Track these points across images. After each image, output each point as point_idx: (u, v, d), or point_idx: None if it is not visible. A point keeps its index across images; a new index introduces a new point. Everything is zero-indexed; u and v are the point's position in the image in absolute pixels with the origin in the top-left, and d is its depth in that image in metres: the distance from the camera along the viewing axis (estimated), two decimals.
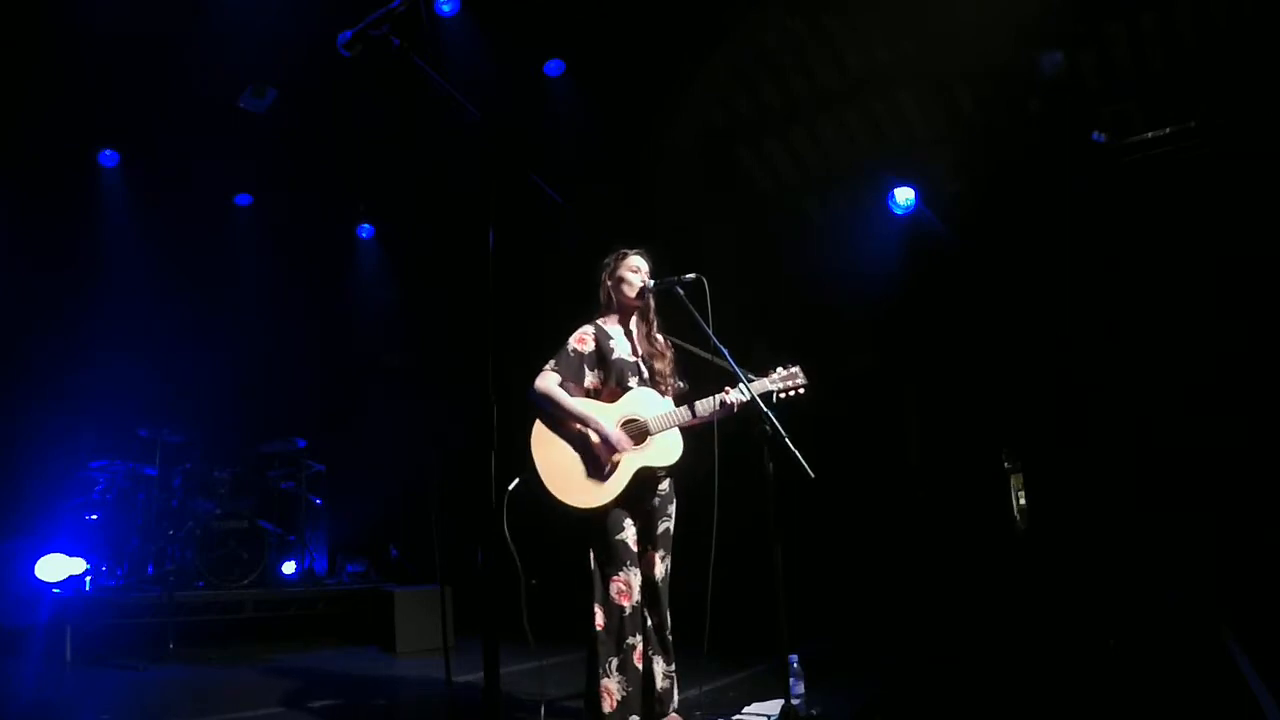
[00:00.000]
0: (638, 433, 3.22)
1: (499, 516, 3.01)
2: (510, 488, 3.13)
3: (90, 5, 5.91)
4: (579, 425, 3.20)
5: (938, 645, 5.45)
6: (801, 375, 3.33)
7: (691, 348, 3.44)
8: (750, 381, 3.24)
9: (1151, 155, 6.32)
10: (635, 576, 3.15)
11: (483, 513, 2.24)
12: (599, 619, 3.10)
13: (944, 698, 4.11)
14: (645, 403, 3.28)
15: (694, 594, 3.30)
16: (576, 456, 3.18)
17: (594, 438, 3.18)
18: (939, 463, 6.95)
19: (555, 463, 3.16)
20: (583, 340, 3.33)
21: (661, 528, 3.31)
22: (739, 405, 3.26)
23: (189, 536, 6.46)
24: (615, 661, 3.08)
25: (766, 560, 3.09)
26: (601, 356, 3.32)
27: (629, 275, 3.36)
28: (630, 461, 3.19)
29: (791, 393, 3.31)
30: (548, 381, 3.23)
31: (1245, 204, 5.90)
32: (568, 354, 3.30)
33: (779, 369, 3.35)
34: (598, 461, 3.18)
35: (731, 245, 7.45)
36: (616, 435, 3.17)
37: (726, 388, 3.28)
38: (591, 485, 3.15)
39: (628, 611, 3.10)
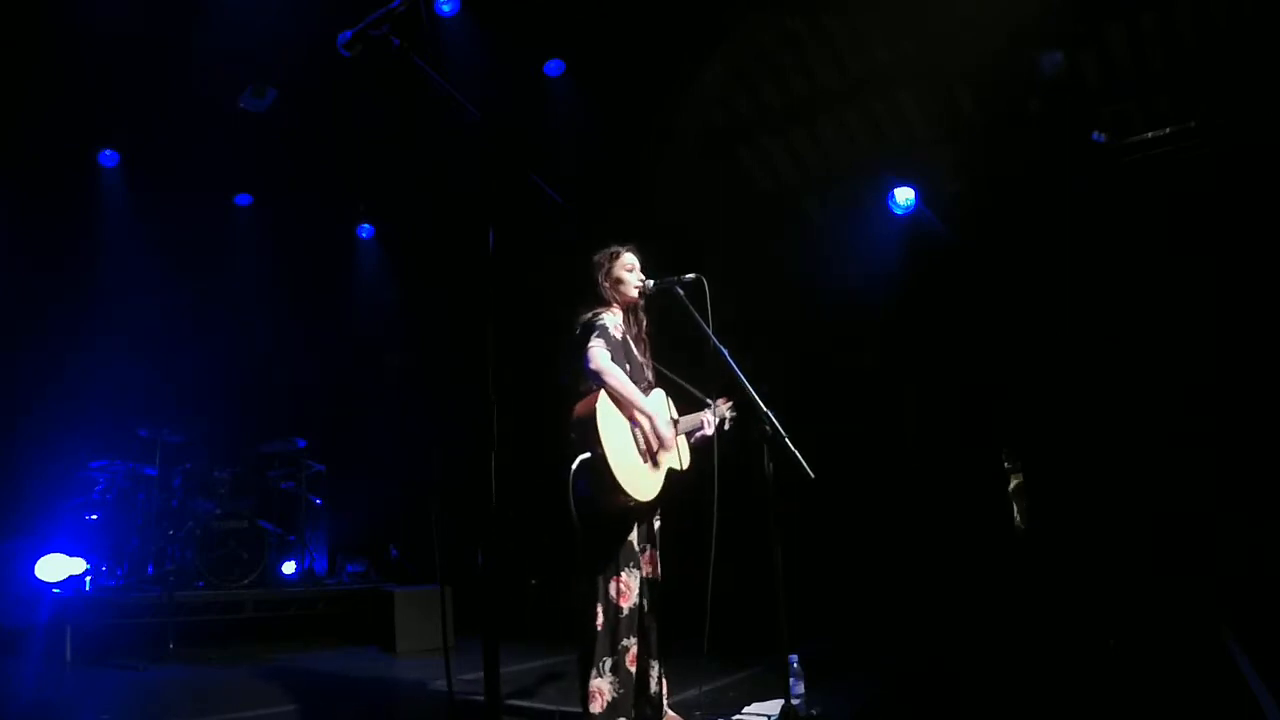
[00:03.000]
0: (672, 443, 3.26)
1: (564, 496, 2.89)
2: (575, 466, 2.94)
3: (90, 5, 5.91)
4: (638, 412, 3.14)
5: (938, 645, 5.45)
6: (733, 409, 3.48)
7: (664, 370, 3.47)
8: (732, 394, 3.32)
9: (1151, 155, 6.32)
10: (636, 578, 3.14)
11: (483, 513, 2.24)
12: (598, 618, 3.07)
13: (944, 698, 4.11)
14: (667, 406, 3.32)
15: (694, 594, 3.30)
16: (633, 444, 3.12)
17: (648, 427, 3.16)
18: (939, 463, 6.94)
19: (621, 446, 3.03)
20: (617, 329, 3.25)
21: (656, 526, 3.33)
22: (716, 424, 3.39)
23: (189, 536, 6.46)
24: (609, 662, 3.05)
25: (766, 560, 3.09)
26: (628, 350, 3.29)
27: (625, 275, 3.34)
28: (664, 462, 3.21)
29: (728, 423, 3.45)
30: (605, 357, 3.08)
31: (1245, 204, 5.90)
32: (610, 335, 3.18)
33: (720, 399, 3.46)
34: (649, 454, 3.17)
35: (732, 245, 7.45)
36: (669, 434, 3.19)
37: (709, 402, 3.36)
38: (645, 478, 3.11)
39: (625, 612, 3.09)
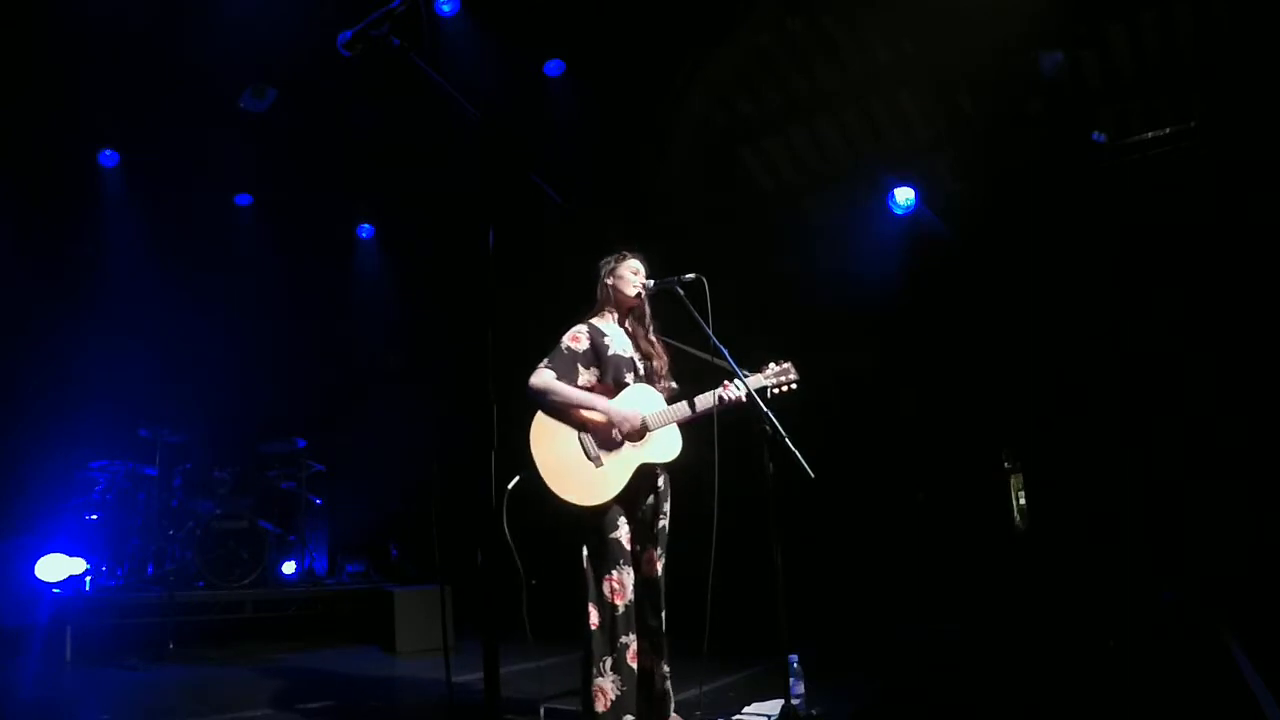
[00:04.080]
0: (639, 428, 3.21)
1: (499, 515, 3.00)
2: (510, 486, 3.11)
3: (91, 5, 5.91)
4: (581, 411, 3.18)
5: (938, 645, 5.45)
6: (794, 371, 3.34)
7: (690, 349, 3.43)
8: (746, 378, 3.24)
9: (1151, 155, 6.32)
10: (628, 575, 3.15)
11: (483, 513, 2.24)
12: (593, 618, 3.10)
13: (944, 698, 4.11)
14: (644, 398, 3.28)
15: (694, 594, 3.30)
16: (578, 452, 3.16)
17: (597, 417, 3.17)
18: (939, 463, 6.94)
19: (555, 460, 3.14)
20: (576, 338, 3.32)
21: (659, 525, 3.32)
22: (736, 401, 3.23)
23: (189, 536, 6.45)
24: (609, 660, 3.06)
25: (766, 560, 3.09)
26: (597, 354, 3.31)
27: (629, 275, 3.37)
28: (631, 457, 3.18)
29: (784, 388, 3.31)
30: (543, 377, 3.21)
31: (1245, 204, 5.90)
32: (562, 352, 3.29)
33: (771, 364, 3.35)
34: (604, 442, 3.17)
35: (731, 245, 7.45)
36: (623, 412, 3.17)
37: (725, 382, 3.26)
38: (592, 482, 3.13)
39: (620, 610, 3.10)
